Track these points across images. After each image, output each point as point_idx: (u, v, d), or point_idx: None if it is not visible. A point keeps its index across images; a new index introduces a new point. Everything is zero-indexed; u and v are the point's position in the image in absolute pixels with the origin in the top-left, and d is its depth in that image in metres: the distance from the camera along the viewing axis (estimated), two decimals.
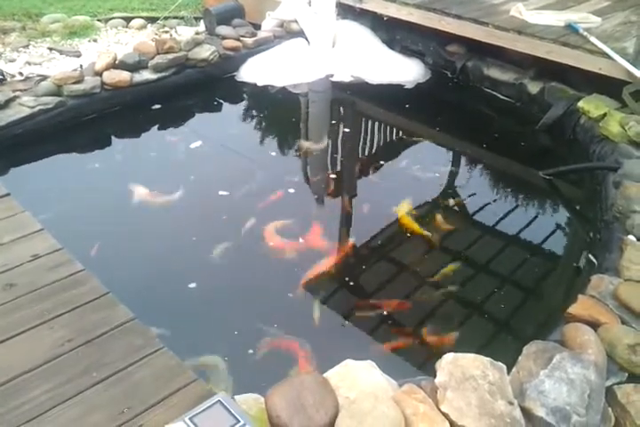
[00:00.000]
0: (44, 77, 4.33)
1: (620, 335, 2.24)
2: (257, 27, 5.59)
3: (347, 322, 2.87)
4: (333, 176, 4.06)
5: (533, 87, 4.75)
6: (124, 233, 3.30)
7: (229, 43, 5.17)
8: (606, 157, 3.82)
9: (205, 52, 4.88)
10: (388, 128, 4.85)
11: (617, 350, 2.19)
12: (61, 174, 3.88)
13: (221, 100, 5.02)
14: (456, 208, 3.74)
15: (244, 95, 5.12)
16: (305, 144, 4.42)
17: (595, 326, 2.30)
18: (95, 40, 5.96)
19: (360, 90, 5.15)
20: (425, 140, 4.56)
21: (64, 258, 2.61)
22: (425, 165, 4.16)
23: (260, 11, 5.77)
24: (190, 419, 1.79)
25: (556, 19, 4.70)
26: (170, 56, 4.69)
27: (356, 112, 5.14)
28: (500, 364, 2.07)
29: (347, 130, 4.71)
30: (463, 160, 4.31)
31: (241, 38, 5.28)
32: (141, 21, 6.37)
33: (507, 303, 2.99)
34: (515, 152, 4.38)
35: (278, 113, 4.98)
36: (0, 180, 3.28)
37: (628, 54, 4.12)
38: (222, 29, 5.32)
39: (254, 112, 4.95)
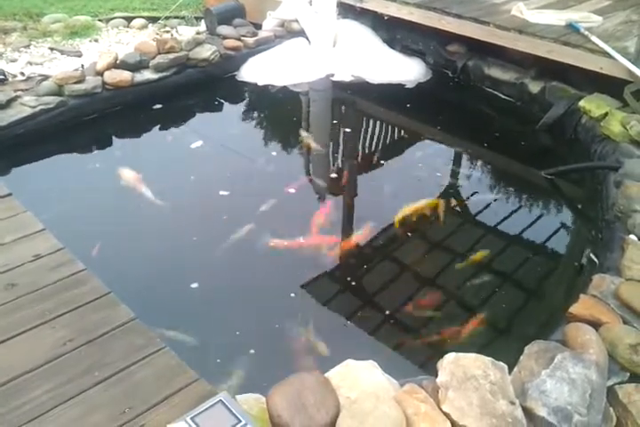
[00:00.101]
0: (46, 77, 4.34)
1: (621, 335, 2.23)
2: (258, 26, 5.59)
3: (349, 322, 2.88)
4: (334, 175, 4.06)
5: (534, 87, 4.75)
6: (125, 233, 3.31)
7: (230, 42, 5.17)
8: (607, 157, 3.82)
9: (206, 51, 4.88)
10: (389, 128, 4.85)
11: (618, 350, 2.19)
12: (63, 174, 3.88)
13: (222, 100, 5.02)
14: (457, 208, 3.74)
15: (245, 95, 5.12)
16: (305, 136, 4.42)
17: (596, 325, 2.30)
18: (96, 40, 5.96)
19: (361, 89, 5.15)
20: (426, 139, 4.56)
21: (65, 258, 2.61)
22: (426, 165, 4.16)
23: (261, 10, 5.77)
24: (192, 419, 1.79)
25: (556, 18, 4.69)
26: (171, 56, 4.69)
27: (357, 112, 5.14)
28: (502, 364, 2.07)
29: (347, 129, 4.71)
30: (464, 160, 4.31)
31: (242, 38, 5.28)
32: (142, 21, 6.37)
33: (508, 303, 2.99)
34: (516, 152, 4.37)
35: (279, 113, 4.98)
36: (2, 180, 3.28)
37: (629, 53, 4.12)
38: (223, 29, 5.33)
39: (255, 112, 4.95)
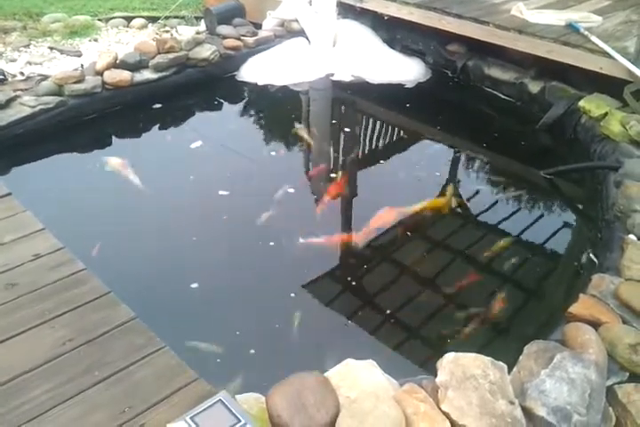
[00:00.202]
0: (45, 77, 4.34)
1: (620, 335, 2.24)
2: (258, 26, 5.59)
3: (349, 321, 2.88)
4: (334, 175, 4.06)
5: (534, 86, 4.75)
6: (125, 233, 3.30)
7: (230, 42, 5.17)
8: (607, 157, 3.82)
9: (206, 51, 4.88)
10: (389, 127, 4.85)
11: (618, 350, 2.19)
12: (62, 174, 3.88)
13: (222, 100, 5.02)
14: (458, 208, 3.74)
15: (245, 95, 5.12)
16: (299, 128, 4.46)
17: (596, 325, 2.30)
18: (96, 40, 5.96)
19: (361, 89, 5.15)
20: (426, 139, 4.56)
21: (65, 257, 2.61)
22: (425, 164, 4.16)
23: (261, 10, 5.77)
24: (191, 418, 1.79)
25: (556, 18, 4.70)
26: (170, 56, 4.69)
27: (357, 111, 5.14)
28: (501, 363, 2.07)
29: (347, 129, 4.71)
30: (464, 159, 4.31)
31: (242, 38, 5.28)
32: (142, 21, 6.37)
33: (508, 303, 2.99)
34: (515, 151, 4.38)
35: (279, 112, 4.98)
36: (1, 179, 3.28)
37: (628, 53, 4.12)
38: (223, 29, 5.32)
39: (255, 111, 4.95)
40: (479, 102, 5.12)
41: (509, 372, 2.07)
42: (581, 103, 4.24)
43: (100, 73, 4.41)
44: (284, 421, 1.82)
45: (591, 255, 3.19)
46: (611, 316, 2.36)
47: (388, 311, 2.91)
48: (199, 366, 2.18)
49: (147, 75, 4.61)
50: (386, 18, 5.44)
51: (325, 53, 5.40)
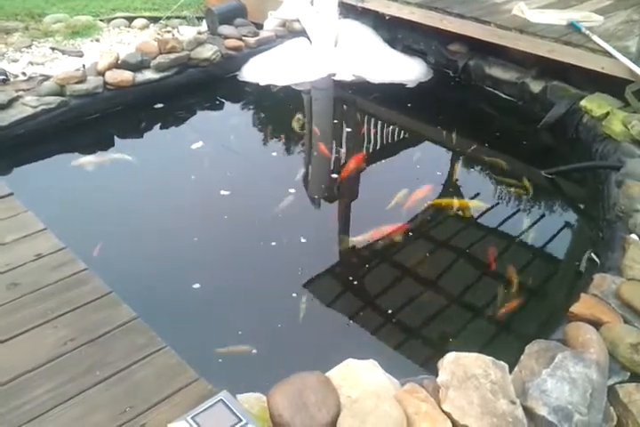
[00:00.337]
0: (47, 77, 4.34)
1: (622, 334, 2.23)
2: (259, 26, 5.60)
3: (350, 321, 2.88)
4: (335, 176, 4.06)
5: (535, 86, 4.74)
6: (127, 233, 3.31)
7: (231, 42, 5.17)
8: (609, 156, 3.82)
9: (207, 51, 4.88)
10: (391, 127, 4.85)
11: (619, 350, 2.19)
12: (64, 174, 3.88)
13: (223, 100, 5.02)
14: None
15: (247, 95, 5.12)
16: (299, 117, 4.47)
17: (597, 325, 2.30)
18: (97, 40, 5.97)
19: (362, 89, 5.15)
20: (427, 138, 4.57)
21: (67, 257, 2.61)
22: (426, 164, 4.16)
23: (263, 10, 5.78)
24: (192, 418, 1.79)
25: (558, 17, 4.69)
26: (172, 56, 4.69)
27: (358, 111, 5.13)
28: (502, 363, 2.07)
29: (349, 129, 4.71)
30: (465, 159, 4.31)
31: (243, 38, 5.28)
32: (144, 21, 6.39)
33: (509, 302, 2.99)
34: (517, 151, 4.37)
35: (280, 112, 4.98)
36: (3, 179, 3.29)
37: (630, 53, 4.12)
38: (224, 29, 5.33)
39: (256, 112, 4.95)
40: (480, 102, 5.12)
41: (510, 371, 2.07)
42: (583, 103, 4.24)
43: (102, 73, 4.41)
44: (285, 420, 1.82)
45: (593, 255, 3.18)
46: (612, 315, 2.36)
47: (390, 311, 2.91)
48: (200, 365, 2.18)
49: (148, 75, 4.61)
50: (387, 18, 5.44)
51: (327, 53, 5.41)
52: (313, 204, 3.80)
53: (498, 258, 3.26)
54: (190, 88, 4.85)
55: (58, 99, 4.13)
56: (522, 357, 2.12)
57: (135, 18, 6.43)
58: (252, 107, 5.02)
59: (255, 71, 5.15)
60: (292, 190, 3.75)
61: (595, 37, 4.29)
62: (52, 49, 5.61)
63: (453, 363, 2.04)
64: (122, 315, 2.33)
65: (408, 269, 3.21)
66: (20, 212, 2.90)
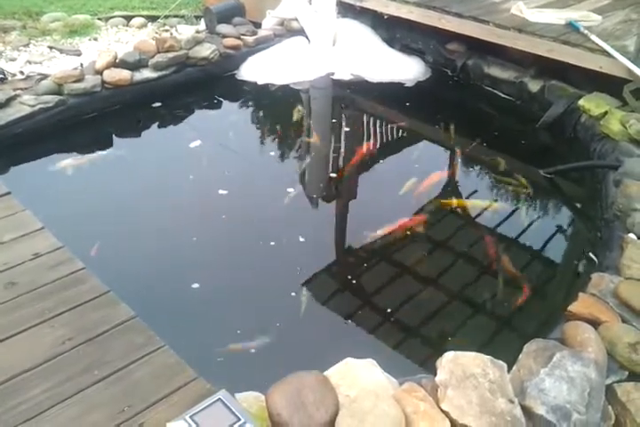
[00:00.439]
0: (45, 76, 4.34)
1: (620, 334, 2.24)
2: (257, 25, 5.59)
3: (349, 320, 2.88)
4: (333, 175, 4.06)
5: (534, 85, 4.74)
6: (125, 232, 3.30)
7: (230, 41, 5.17)
8: (607, 156, 3.82)
9: (206, 50, 4.88)
10: (389, 126, 4.84)
11: (617, 349, 2.19)
12: (61, 173, 3.87)
13: (222, 99, 5.01)
14: (455, 208, 3.73)
15: (245, 94, 5.12)
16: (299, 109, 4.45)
17: (595, 324, 2.30)
18: (95, 39, 5.96)
19: (360, 88, 5.15)
20: (425, 138, 4.57)
21: (65, 256, 2.61)
22: (424, 163, 4.16)
23: (261, 9, 5.77)
24: (191, 417, 1.78)
25: (556, 17, 4.69)
26: (170, 55, 4.68)
27: (357, 110, 5.13)
28: (501, 362, 2.07)
29: (347, 128, 4.71)
30: (463, 158, 4.30)
31: (241, 37, 5.28)
32: (142, 20, 6.37)
33: (507, 302, 2.99)
34: (515, 150, 4.37)
35: (279, 111, 4.97)
36: (0, 178, 3.29)
37: (628, 52, 4.12)
38: (223, 28, 5.32)
39: (255, 111, 4.95)
40: (479, 101, 5.12)
41: (509, 371, 2.07)
42: (581, 102, 4.24)
43: (100, 72, 4.41)
44: (283, 419, 1.82)
45: (591, 254, 3.18)
46: (610, 315, 2.36)
47: (388, 310, 2.91)
48: (199, 365, 2.18)
49: (146, 74, 4.61)
50: (385, 17, 5.44)
51: (325, 52, 5.40)
52: (311, 203, 3.79)
53: (497, 257, 3.27)
54: (188, 87, 4.84)
55: (55, 98, 4.13)
56: (520, 356, 2.12)
57: (133, 17, 6.42)
58: (250, 106, 5.01)
59: (253, 70, 5.14)
60: (291, 190, 3.75)
61: (593, 37, 4.30)
62: (50, 48, 5.59)
63: (452, 362, 2.04)
64: (120, 314, 2.33)
65: (407, 268, 3.21)
66: (17, 211, 2.89)
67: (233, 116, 4.86)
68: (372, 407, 1.88)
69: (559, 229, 3.62)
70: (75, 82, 4.23)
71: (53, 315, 2.31)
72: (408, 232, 3.43)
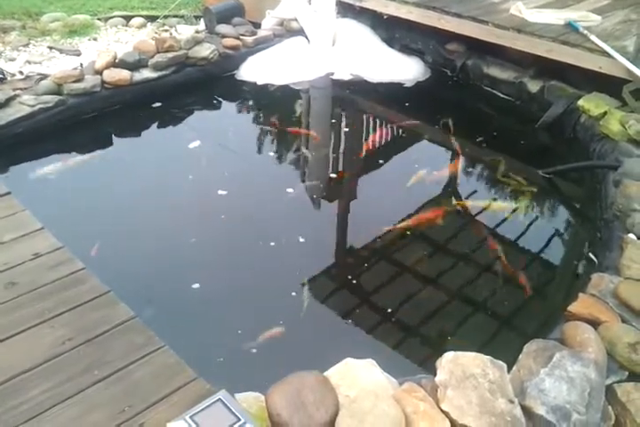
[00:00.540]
0: (45, 76, 4.33)
1: (620, 334, 2.24)
2: (257, 25, 5.59)
3: (348, 320, 2.88)
4: (333, 175, 4.06)
5: (533, 86, 4.75)
6: (125, 232, 3.30)
7: (229, 41, 5.16)
8: (606, 156, 3.82)
9: (205, 50, 4.87)
10: (388, 126, 4.85)
11: (617, 349, 2.19)
12: (61, 173, 3.87)
13: (221, 99, 5.01)
14: (458, 207, 3.73)
15: (244, 94, 5.12)
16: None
17: (595, 324, 2.31)
18: (95, 39, 5.96)
19: (360, 88, 5.15)
20: (424, 138, 4.58)
21: (64, 257, 2.61)
22: (424, 163, 4.15)
23: (260, 9, 5.77)
24: (191, 417, 1.78)
25: (555, 17, 4.69)
26: (170, 55, 4.68)
27: (356, 110, 5.13)
28: (501, 362, 2.07)
29: (346, 128, 4.71)
30: (463, 159, 4.31)
31: (241, 37, 5.28)
32: (141, 20, 6.37)
33: (507, 302, 2.99)
34: (515, 150, 4.37)
35: (278, 111, 4.97)
36: (0, 178, 3.29)
37: (628, 53, 4.12)
38: (222, 28, 5.32)
39: (254, 111, 4.95)
40: (478, 101, 5.12)
41: (509, 371, 2.07)
42: (580, 102, 4.24)
43: (100, 72, 4.40)
44: (283, 419, 1.82)
45: (590, 255, 3.19)
46: (610, 315, 2.37)
47: (388, 310, 2.91)
48: (198, 364, 2.18)
49: (146, 74, 4.60)
50: (385, 17, 5.44)
51: (325, 52, 5.40)
52: (311, 203, 3.79)
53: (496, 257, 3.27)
54: (188, 87, 4.84)
55: (55, 98, 4.12)
56: (520, 356, 2.13)
57: (133, 17, 6.41)
58: (249, 106, 5.01)
59: (253, 70, 5.14)
60: (290, 190, 3.75)
61: (592, 37, 4.30)
62: (50, 48, 5.59)
63: (452, 362, 2.04)
64: (120, 314, 2.33)
65: (407, 268, 3.21)
66: (17, 211, 2.89)
67: (232, 117, 4.86)
68: (371, 408, 1.88)
69: (559, 229, 3.62)
70: (74, 82, 4.22)
71: (53, 315, 2.31)
72: (426, 225, 3.47)
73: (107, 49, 5.47)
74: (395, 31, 5.62)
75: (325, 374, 2.04)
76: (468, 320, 2.88)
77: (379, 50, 5.52)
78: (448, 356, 2.07)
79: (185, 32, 5.76)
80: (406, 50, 5.60)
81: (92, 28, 6.11)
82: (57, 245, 2.67)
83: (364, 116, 5.00)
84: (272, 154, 4.31)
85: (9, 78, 4.47)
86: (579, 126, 4.28)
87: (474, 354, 2.08)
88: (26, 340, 2.21)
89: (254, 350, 2.61)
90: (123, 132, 4.45)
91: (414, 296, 3.01)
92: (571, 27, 4.54)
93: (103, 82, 4.37)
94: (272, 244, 3.26)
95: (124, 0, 6.89)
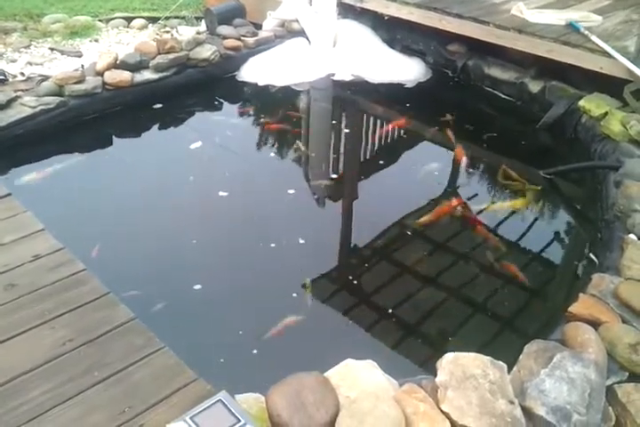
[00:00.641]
0: (46, 77, 4.34)
1: (620, 334, 2.23)
2: (258, 26, 5.59)
3: (349, 321, 2.88)
4: (334, 176, 4.06)
5: (534, 86, 4.74)
6: (125, 234, 3.30)
7: (230, 42, 5.17)
8: (607, 156, 3.82)
9: (206, 51, 4.88)
10: (389, 126, 4.84)
11: (617, 349, 2.19)
12: (62, 174, 3.87)
13: (222, 100, 5.02)
14: (458, 208, 3.73)
15: (245, 95, 5.12)
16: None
17: (595, 325, 2.30)
18: (96, 40, 5.97)
19: (361, 89, 5.15)
20: (425, 138, 4.58)
21: (65, 258, 2.61)
22: (425, 164, 4.16)
23: (261, 10, 5.77)
24: (191, 418, 1.79)
25: (556, 17, 4.69)
26: (171, 56, 4.69)
27: (358, 111, 5.14)
28: (501, 363, 2.07)
29: (347, 129, 4.71)
30: (464, 159, 4.30)
31: (242, 38, 5.28)
32: (142, 21, 6.38)
33: (507, 302, 2.99)
34: (516, 151, 4.37)
35: (279, 113, 4.97)
36: (1, 180, 3.29)
37: (629, 53, 4.12)
38: (223, 29, 5.32)
39: (255, 112, 4.95)
40: (479, 102, 5.12)
41: (509, 371, 2.06)
42: (581, 103, 4.24)
43: (101, 73, 4.41)
44: (283, 420, 1.82)
45: (591, 255, 3.18)
46: (610, 315, 2.36)
47: (388, 311, 2.91)
48: (199, 366, 2.18)
49: (147, 75, 4.61)
50: (386, 18, 5.44)
51: (326, 53, 5.40)
52: (312, 204, 3.80)
53: (497, 259, 3.27)
54: (189, 88, 4.84)
55: (56, 99, 4.13)
56: (520, 357, 2.12)
57: (134, 18, 6.42)
58: (250, 107, 5.01)
59: (254, 71, 5.14)
60: (292, 191, 3.75)
61: (593, 37, 4.29)
62: (51, 49, 5.60)
63: (452, 363, 2.04)
64: (120, 315, 2.33)
65: (407, 269, 3.21)
66: (18, 212, 2.89)
67: (233, 118, 4.86)
68: (371, 408, 1.88)
69: (560, 229, 3.62)
70: (75, 83, 4.23)
71: (54, 316, 2.31)
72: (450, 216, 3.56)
73: (108, 50, 5.49)
74: (396, 32, 5.63)
75: (326, 374, 2.04)
76: (468, 321, 2.88)
77: (380, 51, 5.52)
78: (448, 357, 2.07)
79: (186, 33, 5.77)
80: (407, 51, 5.60)
81: (94, 29, 6.12)
82: (57, 246, 2.67)
83: (365, 117, 5.00)
84: (273, 155, 4.31)
85: (10, 80, 4.48)
86: (580, 127, 4.27)
87: (474, 355, 2.08)
88: (26, 341, 2.21)
89: (255, 351, 2.61)
90: (124, 133, 4.46)
91: (414, 297, 3.01)
92: (572, 27, 4.53)
93: (104, 83, 4.38)
94: (273, 245, 3.26)
95: (126, 1, 6.90)
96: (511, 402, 1.93)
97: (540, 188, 3.84)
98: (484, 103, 5.09)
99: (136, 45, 4.78)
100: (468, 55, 5.23)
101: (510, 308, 2.96)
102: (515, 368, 2.08)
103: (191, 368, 2.13)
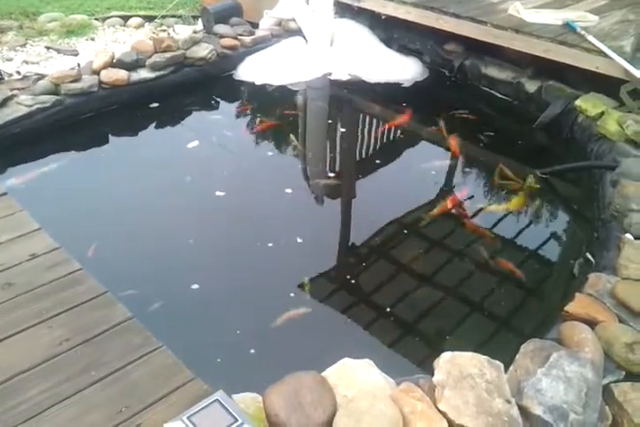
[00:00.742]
0: (42, 76, 4.33)
1: (617, 334, 2.24)
2: (255, 25, 5.59)
3: (346, 320, 2.88)
4: (332, 174, 4.06)
5: (531, 86, 4.75)
6: (121, 233, 3.30)
7: (227, 41, 5.16)
8: (604, 156, 3.82)
9: (203, 50, 4.87)
10: (386, 126, 4.85)
11: (614, 349, 2.20)
12: (59, 173, 3.87)
13: (219, 99, 5.01)
14: (459, 205, 3.73)
15: (242, 94, 5.11)
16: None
17: (592, 324, 2.31)
18: (93, 39, 5.96)
19: (358, 88, 5.15)
20: (422, 138, 4.58)
21: (62, 257, 2.60)
22: (421, 164, 4.16)
23: (258, 9, 5.76)
24: (188, 418, 1.79)
25: (553, 17, 4.70)
26: (167, 55, 4.68)
27: (354, 110, 5.13)
28: (498, 362, 2.08)
29: (343, 129, 4.71)
30: (460, 159, 4.31)
31: (239, 37, 5.28)
32: (139, 20, 6.37)
33: (504, 301, 3.00)
34: (512, 151, 4.38)
35: (276, 112, 4.97)
36: None
37: (625, 53, 4.13)
38: (220, 28, 5.32)
39: (252, 111, 4.94)
40: (476, 101, 5.12)
41: (506, 371, 2.07)
42: (578, 102, 4.25)
43: (97, 72, 4.40)
44: (281, 420, 1.82)
45: (588, 254, 3.19)
46: (607, 315, 2.37)
47: (386, 310, 2.91)
48: (196, 365, 2.18)
49: (143, 74, 4.60)
50: (383, 17, 5.44)
51: (323, 53, 5.40)
52: (309, 203, 3.80)
53: (492, 256, 3.27)
54: (186, 87, 4.84)
55: (53, 98, 4.12)
56: (517, 356, 2.13)
57: (130, 17, 6.42)
58: (247, 106, 5.01)
59: (251, 70, 5.14)
60: (289, 190, 3.75)
61: (590, 37, 4.30)
62: (47, 48, 5.59)
63: (449, 362, 2.05)
64: (117, 315, 2.33)
65: (405, 267, 3.21)
66: (14, 211, 2.89)
67: (230, 117, 4.86)
68: (369, 407, 1.88)
69: (556, 229, 3.62)
70: (72, 82, 4.22)
71: (51, 315, 2.31)
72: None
73: (104, 49, 5.47)
74: (393, 31, 5.63)
75: (323, 374, 2.04)
76: (465, 320, 2.88)
77: (377, 50, 5.52)
78: (445, 356, 2.08)
79: (183, 32, 5.76)
80: (404, 50, 5.60)
81: (90, 28, 6.10)
82: (54, 245, 2.67)
83: (362, 116, 5.00)
84: (270, 154, 4.31)
85: (6, 78, 4.46)
86: (576, 126, 4.28)
87: (471, 354, 2.08)
88: (24, 340, 2.20)
89: (252, 351, 2.61)
90: (120, 132, 4.45)
91: (411, 296, 3.02)
92: (568, 27, 4.54)
93: (100, 82, 4.37)
94: (270, 244, 3.26)
95: (122, 0, 6.89)
96: (508, 401, 1.94)
97: (538, 186, 3.84)
98: (481, 103, 5.09)
99: (132, 44, 4.77)
100: (465, 55, 5.23)
101: (507, 307, 2.97)
102: (511, 368, 2.09)
103: (189, 368, 2.13)
